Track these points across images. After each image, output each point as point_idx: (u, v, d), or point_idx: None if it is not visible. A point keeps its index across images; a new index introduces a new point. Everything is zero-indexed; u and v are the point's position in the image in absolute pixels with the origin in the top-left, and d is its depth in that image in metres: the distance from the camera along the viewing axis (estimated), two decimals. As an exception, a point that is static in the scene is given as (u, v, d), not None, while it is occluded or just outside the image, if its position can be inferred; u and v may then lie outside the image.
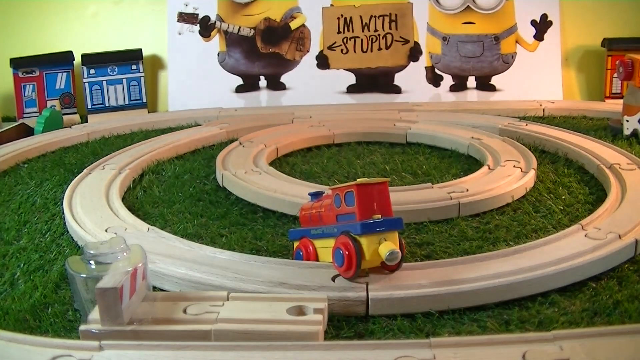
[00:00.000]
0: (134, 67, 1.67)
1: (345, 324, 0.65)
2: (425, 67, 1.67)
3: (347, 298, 0.66)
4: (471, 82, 1.67)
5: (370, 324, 0.64)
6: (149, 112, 1.68)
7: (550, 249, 0.75)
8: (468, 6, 1.65)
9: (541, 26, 1.65)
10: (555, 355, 0.53)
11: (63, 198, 0.98)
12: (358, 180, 0.68)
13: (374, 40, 1.67)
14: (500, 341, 0.55)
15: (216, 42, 1.68)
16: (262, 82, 1.69)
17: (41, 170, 1.18)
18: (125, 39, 1.72)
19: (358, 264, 0.66)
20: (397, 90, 1.67)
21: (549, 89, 1.64)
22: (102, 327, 0.58)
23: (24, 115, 1.62)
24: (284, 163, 1.21)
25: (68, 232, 0.90)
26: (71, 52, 1.65)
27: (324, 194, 0.78)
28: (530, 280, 0.68)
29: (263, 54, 1.68)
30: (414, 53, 1.67)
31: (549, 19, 1.65)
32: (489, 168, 1.07)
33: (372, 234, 0.66)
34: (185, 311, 0.62)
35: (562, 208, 0.94)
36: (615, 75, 1.59)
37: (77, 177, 1.07)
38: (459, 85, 1.67)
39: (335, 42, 1.67)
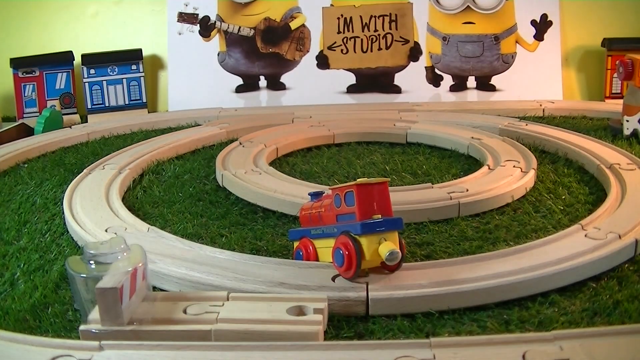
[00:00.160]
0: (134, 67, 1.67)
1: (345, 324, 0.65)
2: (425, 67, 1.67)
3: (347, 298, 0.66)
4: (471, 82, 1.67)
5: (370, 324, 0.64)
6: (149, 112, 1.68)
7: (550, 249, 0.75)
8: (468, 6, 1.65)
9: (541, 26, 1.65)
10: (555, 355, 0.53)
11: (63, 198, 0.98)
12: (358, 180, 0.68)
13: (374, 40, 1.67)
14: (500, 341, 0.55)
15: (216, 42, 1.68)
16: (262, 82, 1.69)
17: (41, 170, 1.18)
18: (125, 39, 1.72)
19: (358, 264, 0.66)
20: (397, 90, 1.67)
21: (549, 89, 1.64)
22: (102, 327, 0.58)
23: (24, 115, 1.62)
24: (284, 163, 1.21)
25: (68, 232, 0.90)
26: (71, 52, 1.65)
27: (324, 194, 0.78)
28: (530, 280, 0.68)
29: (263, 54, 1.68)
30: (414, 53, 1.67)
31: (549, 19, 1.65)
32: (489, 168, 1.07)
33: (372, 234, 0.66)
34: (185, 311, 0.62)
35: (562, 208, 0.94)
36: (615, 75, 1.59)
37: (77, 177, 1.07)
38: (459, 85, 1.67)
39: (335, 42, 1.67)
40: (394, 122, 1.39)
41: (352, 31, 1.67)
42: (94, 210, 0.92)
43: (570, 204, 0.95)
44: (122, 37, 1.73)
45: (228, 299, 0.64)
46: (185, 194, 1.04)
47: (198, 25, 1.68)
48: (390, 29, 1.66)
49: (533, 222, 0.89)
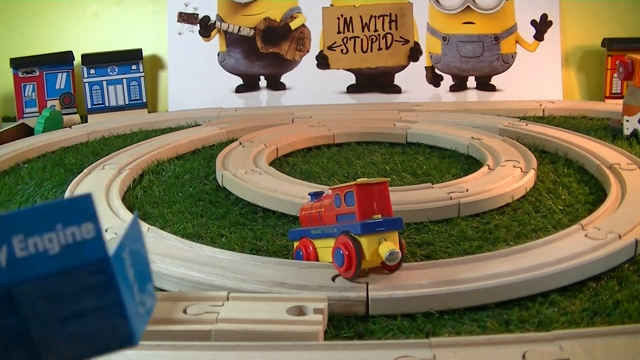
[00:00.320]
0: (134, 67, 1.67)
1: (345, 324, 0.65)
2: (425, 67, 1.67)
3: (347, 298, 0.66)
4: (471, 82, 1.67)
5: (370, 324, 0.64)
6: (149, 112, 1.68)
7: (550, 249, 0.75)
8: (468, 6, 1.65)
9: (541, 26, 1.65)
10: (555, 355, 0.53)
11: (63, 198, 0.98)
12: (358, 180, 0.68)
13: (374, 40, 1.67)
14: (500, 341, 0.55)
15: (216, 42, 1.68)
16: (262, 82, 1.69)
17: (41, 170, 1.18)
18: (125, 39, 1.72)
19: (358, 264, 0.66)
20: (397, 90, 1.67)
21: (549, 89, 1.64)
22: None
23: (24, 115, 1.62)
24: (284, 163, 1.21)
25: (68, 232, 0.90)
26: (71, 52, 1.65)
27: (324, 194, 0.78)
28: (530, 280, 0.68)
29: (263, 54, 1.68)
30: (414, 53, 1.67)
31: (549, 19, 1.65)
32: (489, 168, 1.07)
33: (372, 234, 0.66)
34: (185, 311, 0.62)
35: (562, 208, 0.94)
36: (615, 75, 1.59)
37: (77, 177, 1.07)
38: (459, 85, 1.67)
39: (335, 42, 1.67)
40: (394, 122, 1.39)
41: (352, 31, 1.67)
42: (94, 210, 0.92)
43: (570, 204, 0.95)
44: (122, 37, 1.73)
45: (228, 299, 0.64)
46: (185, 194, 1.04)
47: (198, 25, 1.68)
48: (390, 29, 1.67)
49: (533, 222, 0.89)
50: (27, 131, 1.45)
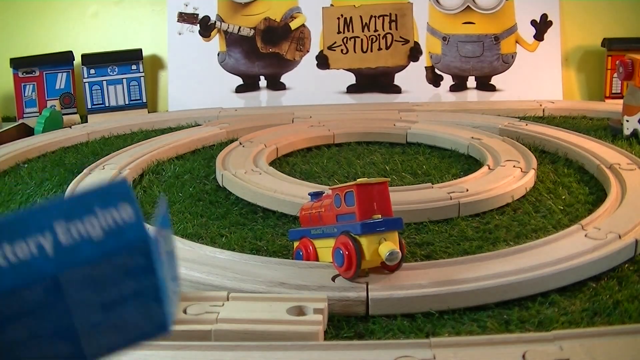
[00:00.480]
0: (134, 67, 1.67)
1: (345, 324, 0.65)
2: (425, 67, 1.67)
3: (347, 298, 0.66)
4: (471, 82, 1.67)
5: (370, 324, 0.64)
6: (149, 112, 1.68)
7: (550, 249, 0.75)
8: (468, 6, 1.65)
9: (541, 26, 1.65)
10: (555, 355, 0.53)
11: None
12: (358, 180, 0.68)
13: (374, 40, 1.67)
14: (500, 341, 0.55)
15: (216, 42, 1.68)
16: (262, 82, 1.69)
17: (41, 170, 1.18)
18: (125, 39, 1.72)
19: (358, 264, 0.66)
20: (397, 90, 1.67)
21: (549, 89, 1.64)
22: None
23: (24, 115, 1.62)
24: (284, 163, 1.21)
25: (68, 232, 0.90)
26: (71, 52, 1.65)
27: (324, 194, 0.78)
28: (530, 280, 0.68)
29: (263, 54, 1.68)
30: (414, 53, 1.67)
31: (549, 19, 1.65)
32: (489, 168, 1.07)
33: (372, 234, 0.66)
34: (185, 311, 0.62)
35: (562, 208, 0.94)
36: (615, 75, 1.59)
37: (77, 177, 1.07)
38: (459, 85, 1.67)
39: (335, 42, 1.67)
40: (394, 122, 1.39)
41: (352, 31, 1.67)
42: (94, 210, 0.92)
43: (570, 204, 0.95)
44: (122, 37, 1.73)
45: (228, 299, 0.64)
46: (185, 194, 1.04)
47: (198, 25, 1.68)
48: (390, 29, 1.67)
49: (533, 222, 0.89)
50: (27, 131, 1.45)
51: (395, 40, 1.67)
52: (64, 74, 1.65)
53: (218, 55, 1.69)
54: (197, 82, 1.68)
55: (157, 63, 1.75)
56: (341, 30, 1.67)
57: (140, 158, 1.17)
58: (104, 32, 1.74)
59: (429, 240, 0.84)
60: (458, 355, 0.53)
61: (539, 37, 1.65)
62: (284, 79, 1.69)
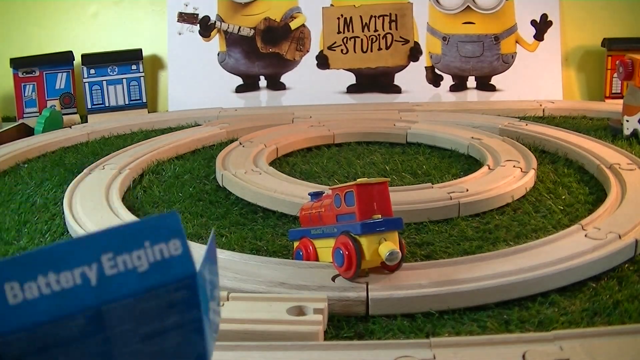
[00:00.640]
0: (134, 67, 1.67)
1: (345, 324, 0.65)
2: (425, 67, 1.67)
3: (347, 298, 0.66)
4: (471, 82, 1.67)
5: (370, 324, 0.64)
6: (149, 112, 1.68)
7: (550, 249, 0.75)
8: (468, 6, 1.65)
9: (541, 26, 1.65)
10: (555, 355, 0.53)
11: (63, 198, 0.98)
12: (358, 180, 0.68)
13: (374, 40, 1.67)
14: (500, 341, 0.55)
15: (216, 42, 1.68)
16: (262, 82, 1.69)
17: (41, 170, 1.18)
18: (125, 39, 1.72)
19: (358, 264, 0.66)
20: (397, 90, 1.67)
21: (549, 89, 1.64)
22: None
23: (24, 115, 1.62)
24: (284, 163, 1.21)
25: (68, 232, 0.90)
26: (71, 52, 1.65)
27: (324, 194, 0.78)
28: (530, 280, 0.68)
29: (263, 54, 1.68)
30: (414, 53, 1.67)
31: (549, 19, 1.65)
32: (489, 168, 1.07)
33: (372, 234, 0.66)
34: (185, 311, 0.62)
35: (562, 208, 0.94)
36: (615, 75, 1.59)
37: (77, 177, 1.07)
38: (459, 85, 1.67)
39: (335, 42, 1.67)
40: (394, 122, 1.39)
41: (352, 31, 1.67)
42: (94, 210, 0.92)
43: (570, 204, 0.95)
44: (122, 37, 1.73)
45: (228, 299, 0.64)
46: (185, 194, 1.04)
47: (198, 25, 1.68)
48: (390, 29, 1.67)
49: (533, 222, 0.89)
50: (27, 131, 1.45)
51: (395, 40, 1.67)
52: (64, 74, 1.65)
53: (218, 55, 1.69)
54: (197, 82, 1.68)
55: (157, 63, 1.75)
56: (341, 30, 1.67)
57: (140, 158, 1.17)
58: (104, 32, 1.74)
59: (429, 240, 0.84)
60: (458, 355, 0.53)
61: (539, 37, 1.65)
62: (284, 79, 1.69)
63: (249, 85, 1.69)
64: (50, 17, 1.74)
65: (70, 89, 1.65)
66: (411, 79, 1.67)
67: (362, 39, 1.67)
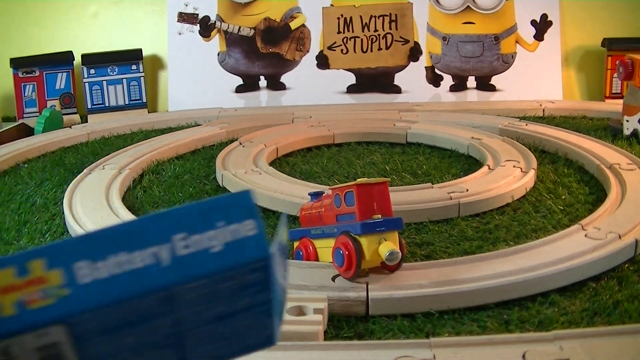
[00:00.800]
0: (134, 67, 1.67)
1: (345, 324, 0.65)
2: (425, 67, 1.67)
3: (347, 298, 0.66)
4: (471, 82, 1.67)
5: (370, 324, 0.64)
6: (149, 112, 1.68)
7: (550, 249, 0.75)
8: (468, 6, 1.65)
9: (541, 26, 1.65)
10: (555, 355, 0.53)
11: (63, 198, 0.98)
12: (358, 180, 0.68)
13: (374, 40, 1.67)
14: (500, 341, 0.55)
15: (216, 42, 1.68)
16: (262, 82, 1.69)
17: (41, 170, 1.18)
18: (125, 39, 1.72)
19: (358, 264, 0.66)
20: (397, 90, 1.67)
21: (549, 89, 1.64)
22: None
23: (24, 115, 1.62)
24: (284, 163, 1.21)
25: (68, 232, 0.90)
26: (71, 52, 1.65)
27: (324, 194, 0.78)
28: (530, 280, 0.68)
29: (263, 54, 1.68)
30: (414, 53, 1.67)
31: (549, 19, 1.65)
32: (489, 168, 1.07)
33: (372, 234, 0.66)
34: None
35: (562, 208, 0.94)
36: (615, 75, 1.59)
37: (77, 177, 1.07)
38: (459, 85, 1.67)
39: (335, 42, 1.67)
40: (394, 122, 1.39)
41: (352, 31, 1.67)
42: (94, 210, 0.92)
43: (570, 204, 0.95)
44: (122, 37, 1.73)
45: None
46: (185, 194, 1.04)
47: (198, 25, 1.68)
48: (390, 29, 1.67)
49: (533, 222, 0.89)
50: (27, 131, 1.45)
51: (395, 40, 1.67)
52: (64, 74, 1.65)
53: (218, 55, 1.69)
54: (197, 82, 1.68)
55: (157, 63, 1.75)
56: (341, 30, 1.67)
57: (140, 158, 1.17)
58: (104, 32, 1.74)
59: (429, 240, 0.84)
60: (458, 355, 0.53)
61: (539, 37, 1.65)
62: (284, 79, 1.69)
63: (249, 85, 1.69)
64: (50, 17, 1.74)
65: (70, 89, 1.65)
66: (411, 79, 1.67)
67: (362, 39, 1.67)
